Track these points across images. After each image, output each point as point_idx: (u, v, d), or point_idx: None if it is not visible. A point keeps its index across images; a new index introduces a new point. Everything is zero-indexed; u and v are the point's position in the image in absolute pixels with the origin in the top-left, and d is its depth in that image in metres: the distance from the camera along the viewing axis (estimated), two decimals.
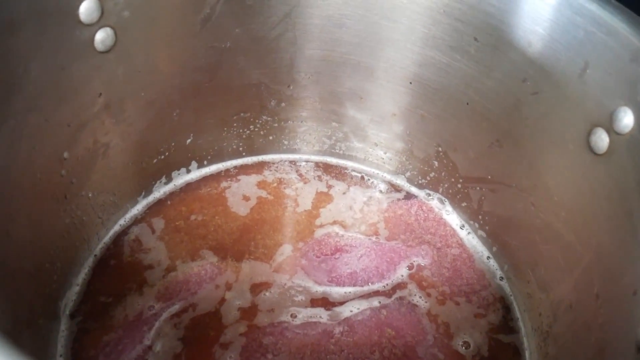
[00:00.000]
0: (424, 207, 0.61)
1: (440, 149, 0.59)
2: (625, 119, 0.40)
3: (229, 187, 0.61)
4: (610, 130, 0.41)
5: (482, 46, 0.49)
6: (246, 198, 0.60)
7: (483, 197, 0.57)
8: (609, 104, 0.41)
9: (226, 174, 0.62)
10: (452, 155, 0.58)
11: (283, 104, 0.59)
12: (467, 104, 0.53)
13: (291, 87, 0.58)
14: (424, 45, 0.52)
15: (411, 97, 0.57)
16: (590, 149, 0.43)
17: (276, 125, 0.61)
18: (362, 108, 0.60)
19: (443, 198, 0.61)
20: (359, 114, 0.60)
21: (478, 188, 0.57)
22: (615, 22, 0.40)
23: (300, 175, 0.63)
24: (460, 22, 0.49)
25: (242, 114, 0.59)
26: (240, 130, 0.60)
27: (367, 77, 0.56)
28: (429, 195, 0.62)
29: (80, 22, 0.41)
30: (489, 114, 0.52)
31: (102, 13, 0.42)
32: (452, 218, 0.60)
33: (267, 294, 0.52)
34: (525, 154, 0.50)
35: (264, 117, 0.60)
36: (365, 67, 0.56)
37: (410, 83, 0.56)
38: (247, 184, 0.61)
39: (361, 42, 0.54)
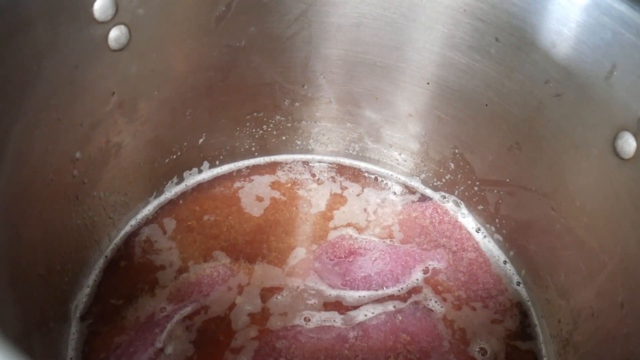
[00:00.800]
0: (439, 210, 0.60)
1: (456, 150, 0.57)
2: None
3: (242, 187, 0.60)
4: (638, 134, 0.40)
5: (503, 47, 0.48)
6: (259, 199, 0.59)
7: (500, 201, 0.56)
8: (637, 108, 0.40)
9: (238, 174, 0.61)
10: (469, 157, 0.57)
11: (297, 104, 0.58)
12: (486, 105, 0.52)
13: (305, 87, 0.57)
14: (443, 45, 0.51)
15: (428, 97, 0.56)
16: (616, 153, 0.42)
17: (289, 125, 0.60)
18: (378, 108, 0.59)
19: (459, 201, 0.60)
20: (374, 114, 0.59)
21: (495, 191, 0.56)
22: None
23: (314, 175, 0.62)
24: (481, 22, 0.48)
25: (255, 114, 0.58)
26: (253, 130, 0.59)
27: (384, 77, 0.55)
28: (444, 197, 0.61)
29: (94, 19, 0.40)
30: (508, 115, 0.51)
31: (117, 10, 0.41)
32: (468, 221, 0.59)
33: (280, 297, 0.51)
34: (546, 157, 0.49)
35: (278, 117, 0.59)
36: (382, 67, 0.54)
37: (428, 83, 0.55)
38: (261, 185, 0.61)
39: (378, 41, 0.53)
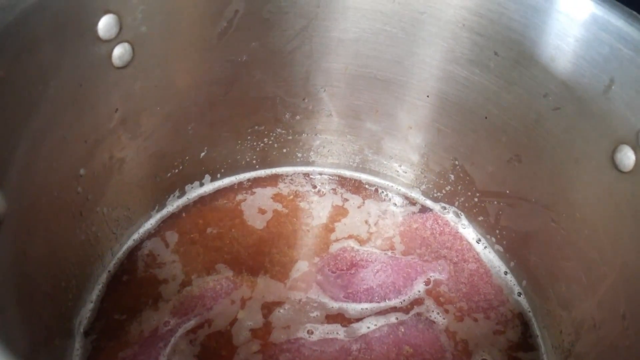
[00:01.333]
0: (440, 221, 0.60)
1: (457, 162, 0.58)
2: None
3: (245, 199, 0.60)
4: (637, 147, 0.40)
5: (502, 60, 0.49)
6: (262, 211, 0.59)
7: (501, 212, 0.56)
8: (636, 121, 0.40)
9: (240, 187, 0.61)
10: (469, 169, 0.57)
11: (298, 117, 0.59)
12: (486, 118, 0.53)
13: (306, 100, 0.58)
14: (443, 59, 0.52)
15: (428, 110, 0.56)
16: (615, 166, 0.42)
17: (290, 138, 0.60)
18: (378, 121, 0.59)
19: (459, 212, 0.60)
20: (374, 126, 0.60)
21: (495, 202, 0.56)
22: None
23: (315, 187, 0.62)
24: (480, 36, 0.48)
25: (256, 127, 0.58)
26: (254, 143, 0.60)
27: (384, 90, 0.56)
28: (445, 208, 0.61)
29: (98, 38, 0.40)
30: (508, 128, 0.51)
31: (121, 29, 0.42)
32: (469, 232, 0.60)
33: (282, 310, 0.52)
34: (545, 169, 0.50)
35: (279, 130, 0.60)
36: (382, 80, 0.55)
37: (428, 96, 0.55)
38: (263, 197, 0.61)
39: (379, 55, 0.54)
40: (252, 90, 0.55)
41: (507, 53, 0.47)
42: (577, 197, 0.47)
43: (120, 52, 0.43)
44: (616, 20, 0.40)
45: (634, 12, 0.41)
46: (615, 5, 0.42)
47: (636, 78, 0.40)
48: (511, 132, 0.51)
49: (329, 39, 0.53)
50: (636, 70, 0.40)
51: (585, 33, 0.42)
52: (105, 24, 0.40)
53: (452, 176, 0.59)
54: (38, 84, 0.37)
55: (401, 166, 0.62)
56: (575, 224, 0.47)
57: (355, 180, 0.64)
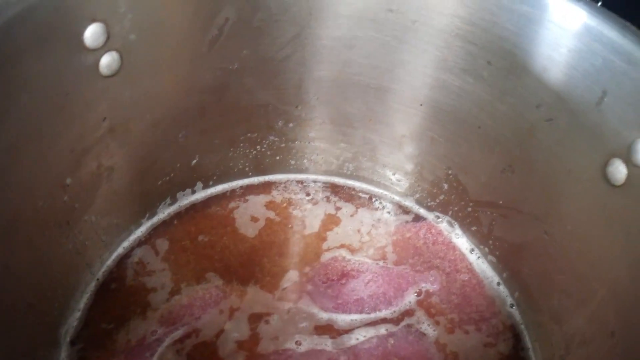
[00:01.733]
0: (433, 230, 0.60)
1: (450, 171, 0.57)
2: None
3: (237, 207, 0.60)
4: (629, 161, 0.40)
5: (495, 70, 0.48)
6: (255, 219, 0.59)
7: (494, 222, 0.56)
8: (628, 135, 0.40)
9: (233, 194, 0.61)
10: (462, 179, 0.57)
11: (291, 125, 0.58)
12: (479, 127, 0.52)
13: (299, 108, 0.58)
14: (436, 67, 0.51)
15: (422, 119, 0.56)
16: (607, 180, 0.42)
17: (283, 145, 0.60)
18: (372, 129, 0.59)
19: (452, 221, 0.60)
20: (368, 134, 0.59)
21: (489, 212, 0.56)
22: (636, 50, 0.39)
23: (309, 195, 0.62)
24: (473, 45, 0.48)
25: (249, 135, 0.58)
26: (247, 151, 0.59)
27: (377, 98, 0.55)
28: (438, 217, 0.61)
29: (85, 47, 0.40)
30: (501, 138, 0.51)
31: (108, 37, 0.41)
32: (462, 242, 0.59)
33: (271, 321, 0.51)
34: (538, 180, 0.49)
35: (271, 138, 0.59)
36: (375, 88, 0.55)
37: (421, 105, 0.55)
38: (256, 205, 0.60)
39: (371, 63, 0.53)
40: (244, 98, 0.55)
41: (500, 62, 0.47)
42: (568, 209, 0.46)
43: (108, 61, 0.43)
44: (609, 32, 0.40)
45: (628, 23, 0.41)
46: (608, 16, 0.41)
47: (628, 91, 0.39)
48: (504, 143, 0.51)
49: (321, 47, 0.53)
50: (629, 83, 0.39)
51: (578, 44, 0.42)
52: (92, 33, 0.40)
53: (445, 185, 0.59)
54: (22, 95, 0.37)
55: (395, 174, 0.61)
56: (567, 237, 0.47)
57: (349, 188, 0.63)
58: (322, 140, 0.61)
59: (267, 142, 0.59)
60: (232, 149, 0.59)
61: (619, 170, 0.41)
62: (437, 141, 0.56)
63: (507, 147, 0.51)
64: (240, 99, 0.54)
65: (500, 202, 0.54)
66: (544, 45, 0.44)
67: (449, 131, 0.55)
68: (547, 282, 0.50)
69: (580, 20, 0.42)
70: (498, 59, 0.48)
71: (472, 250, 0.58)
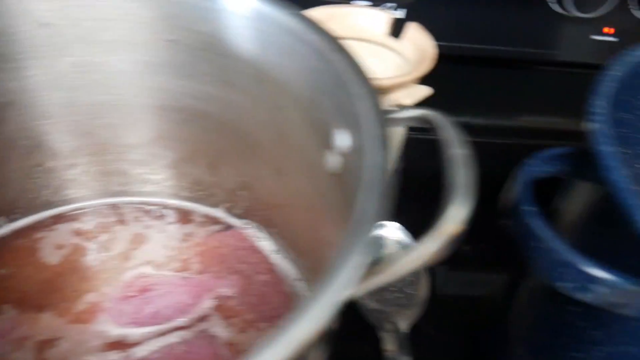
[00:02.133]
0: (239, 237, 0.62)
1: (244, 179, 0.60)
2: (345, 141, 0.41)
3: (43, 237, 0.61)
4: (336, 151, 0.43)
5: (237, 74, 0.51)
6: (60, 247, 0.60)
7: (285, 222, 0.58)
8: (330, 126, 0.43)
9: (40, 225, 0.62)
10: (254, 185, 0.59)
11: (57, 157, 0.59)
12: (249, 134, 0.55)
13: (52, 138, 0.58)
14: (155, 73, 0.53)
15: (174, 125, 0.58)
16: (327, 167, 0.44)
17: (75, 172, 0.61)
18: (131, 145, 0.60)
19: (260, 225, 0.62)
20: (134, 151, 0.61)
21: (280, 213, 0.58)
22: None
23: (119, 217, 0.63)
24: (193, 49, 0.50)
25: (39, 167, 0.59)
26: (47, 182, 0.61)
27: (116, 110, 0.57)
28: (247, 224, 0.63)
29: None
30: (265, 142, 0.54)
31: None
32: (265, 244, 0.61)
33: (60, 344, 0.52)
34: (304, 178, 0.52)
35: (60, 167, 0.61)
36: (111, 104, 0.56)
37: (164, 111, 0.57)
38: (63, 233, 0.61)
39: (90, 82, 0.54)
40: (22, 133, 0.56)
41: (220, 63, 0.50)
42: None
43: None
44: (282, 16, 0.44)
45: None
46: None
47: (323, 83, 0.43)
48: (265, 145, 0.53)
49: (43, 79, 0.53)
50: (323, 77, 0.43)
51: (258, 31, 0.46)
52: None
53: (245, 193, 0.61)
54: None
55: (202, 189, 0.64)
56: None
57: (159, 205, 0.65)
58: (91, 165, 0.61)
59: (60, 172, 0.61)
60: (30, 180, 0.60)
61: (332, 159, 0.44)
62: (218, 153, 0.59)
63: (267, 149, 0.54)
64: (13, 133, 0.55)
65: (283, 202, 0.57)
66: (229, 32, 0.48)
67: (225, 142, 0.57)
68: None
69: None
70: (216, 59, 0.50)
71: (278, 252, 0.61)
